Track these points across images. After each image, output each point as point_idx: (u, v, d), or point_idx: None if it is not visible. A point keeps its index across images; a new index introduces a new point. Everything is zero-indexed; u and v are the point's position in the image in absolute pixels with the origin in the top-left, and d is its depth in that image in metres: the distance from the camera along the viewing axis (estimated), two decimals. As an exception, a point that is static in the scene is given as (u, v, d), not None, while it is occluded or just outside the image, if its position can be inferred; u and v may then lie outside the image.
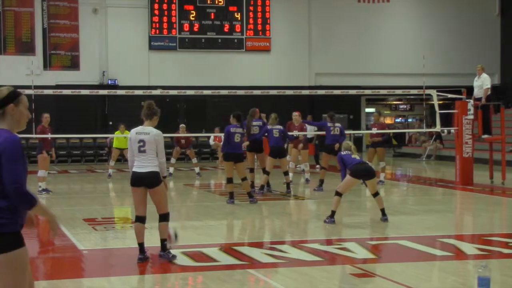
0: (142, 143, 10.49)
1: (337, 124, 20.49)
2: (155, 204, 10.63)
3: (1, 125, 5.26)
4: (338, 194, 14.26)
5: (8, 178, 5.17)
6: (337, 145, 19.18)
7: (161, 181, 10.53)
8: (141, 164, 10.48)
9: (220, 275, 9.72)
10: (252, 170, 19.83)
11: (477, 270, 7.65)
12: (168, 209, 10.79)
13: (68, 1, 35.34)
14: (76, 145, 34.24)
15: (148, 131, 10.57)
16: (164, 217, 10.66)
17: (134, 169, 10.55)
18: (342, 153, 14.50)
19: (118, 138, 24.71)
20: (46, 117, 20.12)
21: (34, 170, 20.18)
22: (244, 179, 17.66)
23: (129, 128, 24.47)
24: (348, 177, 14.13)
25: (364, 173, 14.22)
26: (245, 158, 18.25)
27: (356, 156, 14.28)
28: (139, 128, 10.69)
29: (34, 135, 19.87)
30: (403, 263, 10.65)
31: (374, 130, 22.24)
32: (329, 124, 20.38)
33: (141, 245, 10.66)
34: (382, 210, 14.42)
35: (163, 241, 10.70)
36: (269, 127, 19.53)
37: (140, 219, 10.65)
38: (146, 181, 10.44)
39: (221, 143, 26.20)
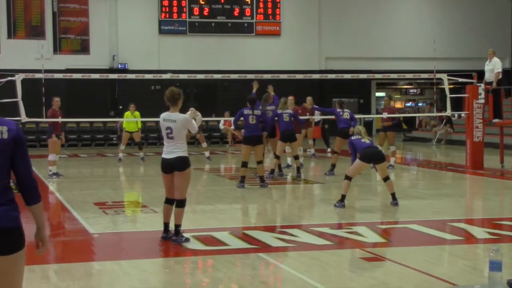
0: (170, 130, 10.74)
1: (346, 110, 20.46)
2: (176, 187, 10.79)
3: None
4: (348, 178, 14.24)
5: (27, 167, 5.12)
6: (351, 129, 19.10)
7: (188, 166, 10.77)
8: (169, 150, 10.75)
9: (231, 259, 9.73)
10: (277, 157, 19.88)
11: (489, 254, 7.62)
12: (185, 196, 10.90)
13: (78, -15, 35.35)
14: (87, 129, 34.28)
15: (174, 118, 10.76)
16: (181, 203, 10.83)
17: (163, 155, 10.83)
18: (352, 137, 14.48)
19: (128, 121, 24.67)
20: (56, 101, 20.13)
21: (45, 154, 20.19)
22: (259, 162, 17.65)
23: (138, 109, 24.68)
24: (357, 161, 14.10)
25: (374, 157, 14.18)
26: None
27: (366, 140, 14.24)
28: (165, 115, 10.89)
29: (44, 119, 19.89)
30: (413, 247, 10.66)
31: (385, 115, 22.20)
32: (338, 110, 20.35)
33: (166, 224, 11.05)
34: (393, 195, 14.40)
35: (177, 226, 10.81)
36: (279, 111, 19.53)
37: (169, 201, 10.98)
38: (174, 166, 10.70)
39: (232, 127, 26.06)
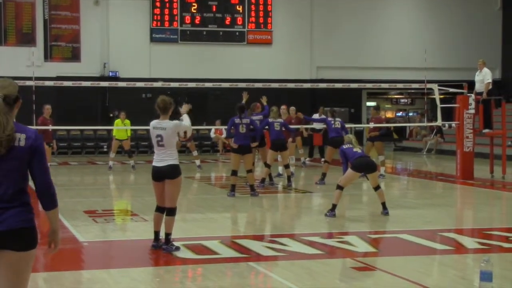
0: (160, 138, 10.79)
1: (338, 119, 20.45)
2: (166, 195, 10.80)
3: (12, 119, 5.26)
4: (339, 187, 14.25)
5: (44, 173, 5.31)
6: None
7: (179, 174, 10.81)
8: (160, 158, 10.79)
9: (221, 268, 9.72)
10: (267, 166, 19.88)
11: (480, 264, 7.63)
12: (176, 204, 10.92)
13: (69, -7, 35.32)
14: (77, 137, 34.20)
15: (164, 126, 10.81)
16: (171, 211, 10.84)
17: (154, 164, 10.86)
18: (343, 146, 14.48)
19: (118, 129, 24.67)
20: (47, 108, 20.11)
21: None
22: (249, 171, 17.69)
23: (129, 117, 24.65)
24: (349, 170, 14.11)
25: (366, 167, 14.19)
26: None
27: (357, 149, 14.26)
28: (155, 123, 10.94)
29: (35, 127, 19.84)
30: (404, 256, 10.66)
31: (371, 125, 22.26)
32: (329, 119, 20.36)
33: (156, 233, 11.04)
34: (383, 204, 14.41)
35: (167, 235, 10.79)
36: (270, 120, 19.53)
37: (160, 209, 10.99)
38: (166, 174, 10.71)
39: (223, 135, 26.09)
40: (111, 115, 33.97)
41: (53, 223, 5.47)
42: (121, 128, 24.43)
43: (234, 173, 17.68)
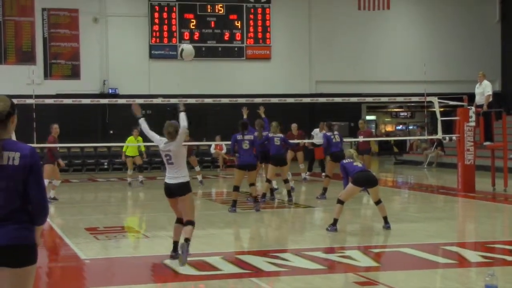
0: (169, 157, 11.27)
1: (336, 132, 20.42)
2: (182, 211, 11.26)
3: (6, 135, 5.22)
4: (340, 202, 14.22)
5: (39, 191, 5.25)
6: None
7: (189, 191, 11.27)
8: (172, 176, 11.24)
9: (223, 284, 9.69)
10: (269, 181, 19.92)
11: (485, 278, 7.60)
12: (193, 217, 11.23)
13: (68, 11, 35.39)
14: (77, 154, 34.17)
15: (172, 148, 11.27)
16: (190, 223, 11.18)
17: (166, 180, 11.29)
18: (344, 161, 14.45)
19: (130, 146, 24.88)
20: (55, 128, 20.27)
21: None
22: (252, 184, 17.81)
23: (129, 135, 24.68)
24: (350, 185, 14.09)
25: (366, 181, 14.17)
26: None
27: (358, 163, 14.24)
28: (162, 146, 11.41)
29: (36, 145, 19.80)
30: (406, 271, 10.62)
31: (360, 138, 22.32)
32: (328, 133, 20.35)
33: (175, 243, 11.34)
34: (385, 218, 14.38)
35: (186, 239, 10.95)
36: (270, 135, 19.50)
37: (179, 220, 11.41)
38: (176, 192, 11.17)
39: (223, 151, 26.04)
40: (111, 131, 33.97)
41: (36, 236, 5.45)
42: (133, 145, 24.64)
43: (236, 188, 17.72)
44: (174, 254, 11.22)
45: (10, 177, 5.10)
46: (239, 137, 17.58)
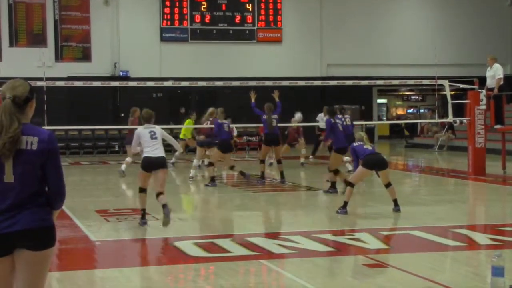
0: (153, 132, 12.85)
1: (347, 116, 20.12)
2: (159, 182, 12.64)
3: (25, 119, 5.22)
4: (350, 184, 14.24)
5: (57, 176, 5.27)
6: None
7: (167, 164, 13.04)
8: (153, 150, 12.71)
9: (233, 266, 9.72)
10: (262, 161, 20.42)
11: (491, 260, 7.61)
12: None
13: (79, -7, 35.41)
14: (88, 137, 34.24)
15: (154, 126, 13.14)
16: (163, 193, 12.62)
17: (148, 155, 12.72)
18: (354, 144, 14.45)
19: (188, 128, 24.63)
20: (135, 110, 20.93)
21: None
22: (279, 161, 20.19)
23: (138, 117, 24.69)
24: (360, 167, 14.09)
25: (377, 164, 14.16)
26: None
27: (368, 146, 14.23)
28: (144, 126, 13.14)
29: (46, 127, 19.88)
30: (416, 253, 10.65)
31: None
32: (339, 116, 20.15)
33: (144, 210, 13.09)
34: (395, 201, 14.38)
35: (165, 205, 12.40)
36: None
37: (144, 190, 13.03)
38: (159, 164, 12.63)
39: (234, 133, 26.22)
40: (122, 114, 34.02)
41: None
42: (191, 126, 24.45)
43: (262, 161, 20.33)
44: (145, 221, 12.97)
45: (28, 162, 5.09)
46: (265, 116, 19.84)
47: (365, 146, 14.18)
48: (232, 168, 20.01)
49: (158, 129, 13.01)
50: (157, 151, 12.66)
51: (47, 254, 5.21)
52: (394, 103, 49.58)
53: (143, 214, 13.05)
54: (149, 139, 12.78)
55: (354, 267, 9.92)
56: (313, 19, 39.10)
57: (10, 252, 5.10)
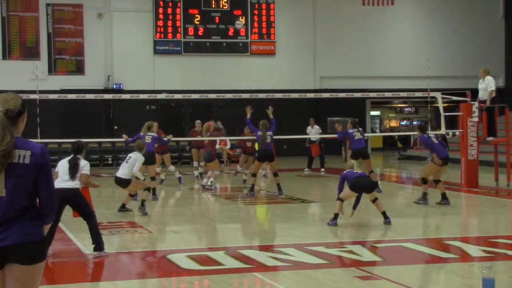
0: (130, 157, 16.25)
1: (360, 129, 20.47)
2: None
3: (17, 133, 5.22)
4: (340, 199, 14.29)
5: (48, 190, 5.27)
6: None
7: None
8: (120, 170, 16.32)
9: (226, 279, 9.72)
10: (254, 175, 20.46)
11: (482, 271, 7.63)
12: None
13: (72, 6, 35.44)
14: (81, 149, 34.07)
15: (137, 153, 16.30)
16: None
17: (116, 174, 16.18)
18: (344, 172, 14.44)
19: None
20: (155, 125, 21.60)
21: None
22: (275, 174, 20.22)
23: (133, 130, 24.63)
24: (347, 188, 14.12)
25: (364, 187, 14.19)
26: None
27: (358, 171, 14.29)
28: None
29: (39, 140, 19.86)
30: (409, 265, 10.65)
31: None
32: (350, 131, 20.28)
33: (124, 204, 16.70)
34: (384, 213, 14.39)
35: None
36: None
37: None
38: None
39: (227, 146, 26.16)
40: (116, 127, 34.02)
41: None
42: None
43: (254, 175, 20.23)
44: (124, 210, 16.58)
45: (21, 175, 5.09)
46: (260, 132, 19.87)
47: (354, 171, 14.22)
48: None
49: (134, 157, 16.10)
50: (120, 172, 16.30)
51: (38, 268, 5.19)
52: (388, 115, 49.67)
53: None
54: (124, 162, 16.27)
55: (347, 280, 9.91)
56: (306, 32, 39.20)
57: (0, 267, 5.10)
